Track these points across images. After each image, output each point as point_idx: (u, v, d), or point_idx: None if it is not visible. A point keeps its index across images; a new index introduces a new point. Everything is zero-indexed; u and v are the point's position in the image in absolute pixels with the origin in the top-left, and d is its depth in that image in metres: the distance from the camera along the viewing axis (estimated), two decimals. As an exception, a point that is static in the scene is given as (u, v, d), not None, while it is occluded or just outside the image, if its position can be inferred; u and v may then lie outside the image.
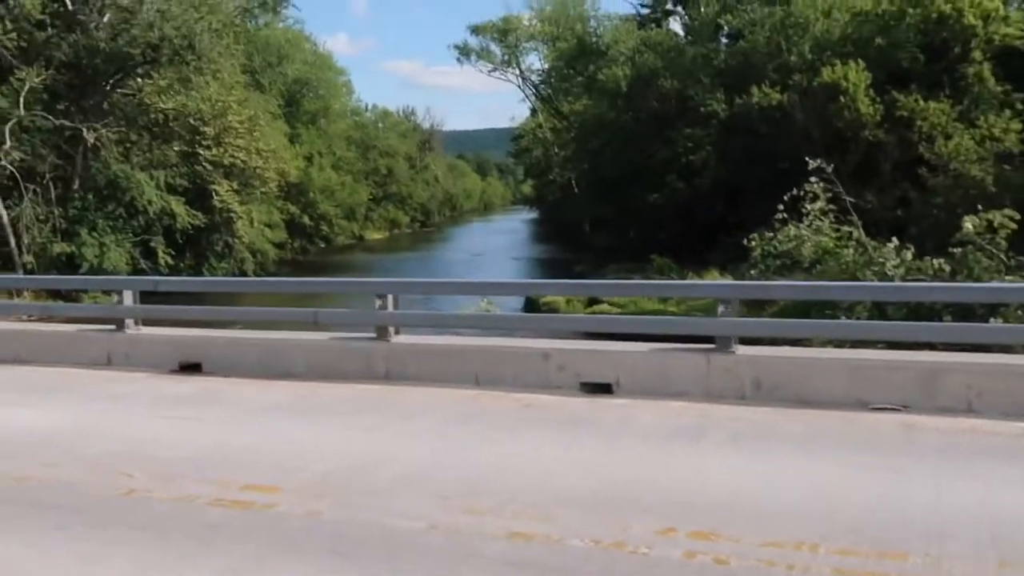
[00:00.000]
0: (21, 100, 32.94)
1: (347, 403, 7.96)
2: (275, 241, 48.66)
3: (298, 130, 56.90)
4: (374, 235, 73.80)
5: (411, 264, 50.99)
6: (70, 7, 35.79)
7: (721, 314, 7.77)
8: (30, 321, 13.45)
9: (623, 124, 43.12)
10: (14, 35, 32.38)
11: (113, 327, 10.07)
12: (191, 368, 9.39)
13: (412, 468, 6.04)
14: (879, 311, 13.25)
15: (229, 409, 7.90)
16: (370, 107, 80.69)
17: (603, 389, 7.77)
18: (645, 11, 51.21)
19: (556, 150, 59.39)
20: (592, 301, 26.53)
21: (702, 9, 42.39)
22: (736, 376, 7.60)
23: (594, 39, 52.26)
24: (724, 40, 43.46)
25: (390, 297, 8.73)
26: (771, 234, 19.56)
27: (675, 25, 49.76)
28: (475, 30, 59.29)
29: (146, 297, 10.41)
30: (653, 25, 47.72)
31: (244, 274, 39.42)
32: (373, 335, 8.84)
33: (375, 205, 73.91)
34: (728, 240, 35.25)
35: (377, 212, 75.71)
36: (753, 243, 19.57)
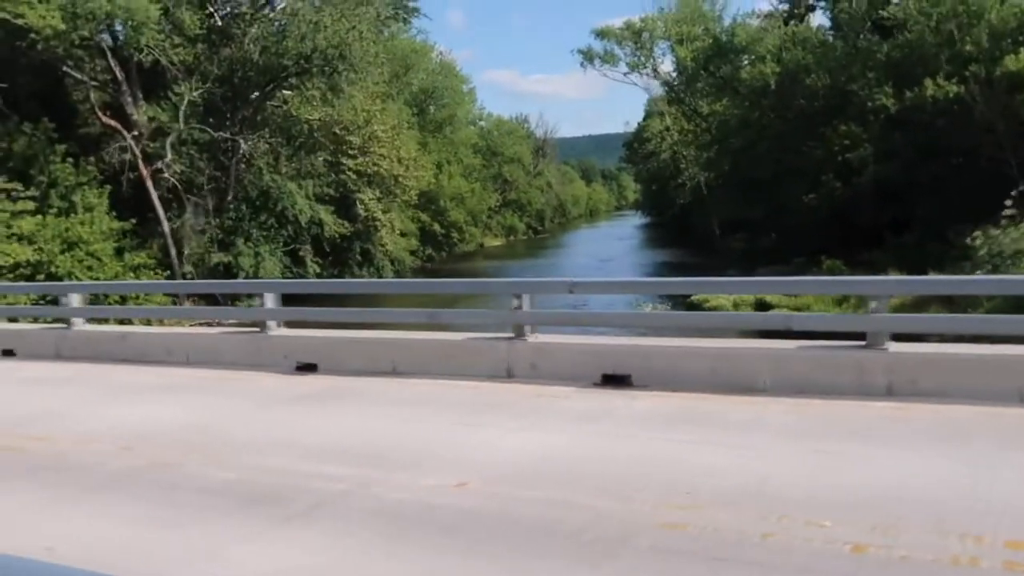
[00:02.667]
0: (181, 114, 33.72)
1: (888, 426, 6.44)
2: (409, 249, 49.00)
3: (426, 138, 57.20)
4: (492, 242, 73.79)
5: (546, 270, 50.43)
6: (219, 22, 36.59)
7: None
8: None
9: (769, 123, 41.71)
10: (180, 50, 33.11)
11: (511, 335, 9.01)
12: (616, 380, 8.20)
13: None
14: None
15: (755, 433, 6.49)
16: (484, 115, 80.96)
17: None
18: (783, 7, 49.62)
19: (685, 152, 58.09)
20: (760, 304, 25.50)
21: (852, 3, 40.59)
22: None
23: (727, 38, 50.84)
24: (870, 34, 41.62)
25: (877, 301, 7.56)
26: (996, 231, 18.27)
27: (816, 20, 48.11)
28: (600, 33, 58.28)
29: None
30: (795, 21, 46.11)
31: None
32: (860, 342, 7.53)
33: (494, 212, 73.92)
34: (895, 240, 33.60)
35: (495, 219, 75.72)
36: (978, 242, 18.28)
